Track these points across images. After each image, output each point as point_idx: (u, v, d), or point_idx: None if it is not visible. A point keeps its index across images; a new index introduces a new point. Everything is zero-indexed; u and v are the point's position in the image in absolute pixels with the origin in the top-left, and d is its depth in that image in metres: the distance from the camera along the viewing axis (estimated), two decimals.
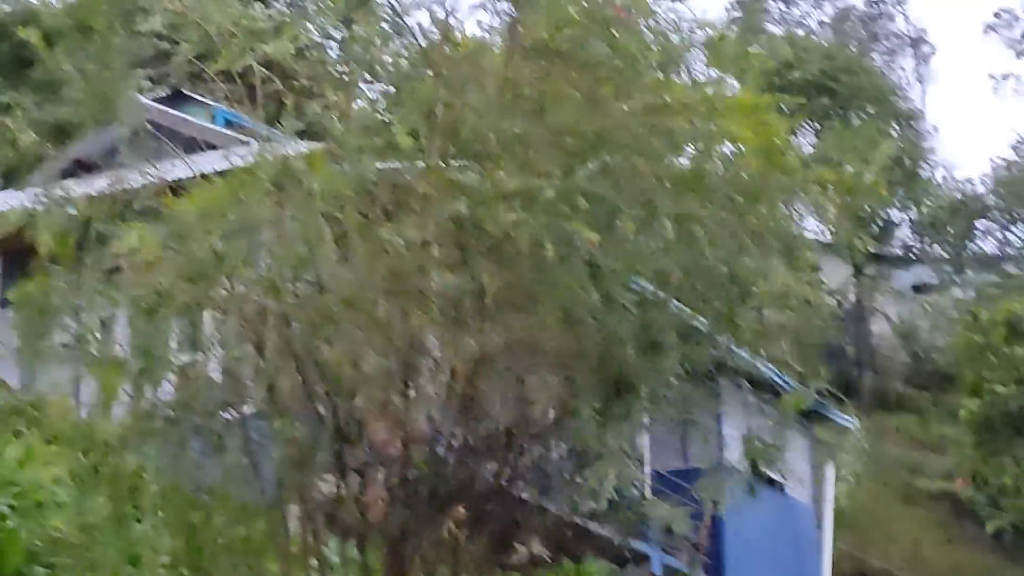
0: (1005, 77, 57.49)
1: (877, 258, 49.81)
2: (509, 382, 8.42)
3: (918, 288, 51.36)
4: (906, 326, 49.68)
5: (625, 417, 9.13)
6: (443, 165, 8.18)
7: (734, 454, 22.65)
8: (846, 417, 25.68)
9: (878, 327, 50.17)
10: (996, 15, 56.90)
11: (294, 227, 8.26)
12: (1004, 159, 50.00)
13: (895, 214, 50.92)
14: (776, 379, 23.42)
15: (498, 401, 8.46)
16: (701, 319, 9.82)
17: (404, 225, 8.06)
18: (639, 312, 8.69)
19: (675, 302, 9.30)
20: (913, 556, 37.92)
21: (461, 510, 8.56)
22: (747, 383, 21.98)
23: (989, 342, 37.59)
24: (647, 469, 21.43)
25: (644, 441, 21.31)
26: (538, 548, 8.85)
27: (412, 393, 8.55)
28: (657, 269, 8.47)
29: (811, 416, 24.86)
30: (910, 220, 50.96)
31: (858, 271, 49.17)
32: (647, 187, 7.93)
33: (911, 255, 51.91)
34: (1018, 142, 50.58)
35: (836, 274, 48.90)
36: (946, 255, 50.77)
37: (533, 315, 8.02)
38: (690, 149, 8.60)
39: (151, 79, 17.58)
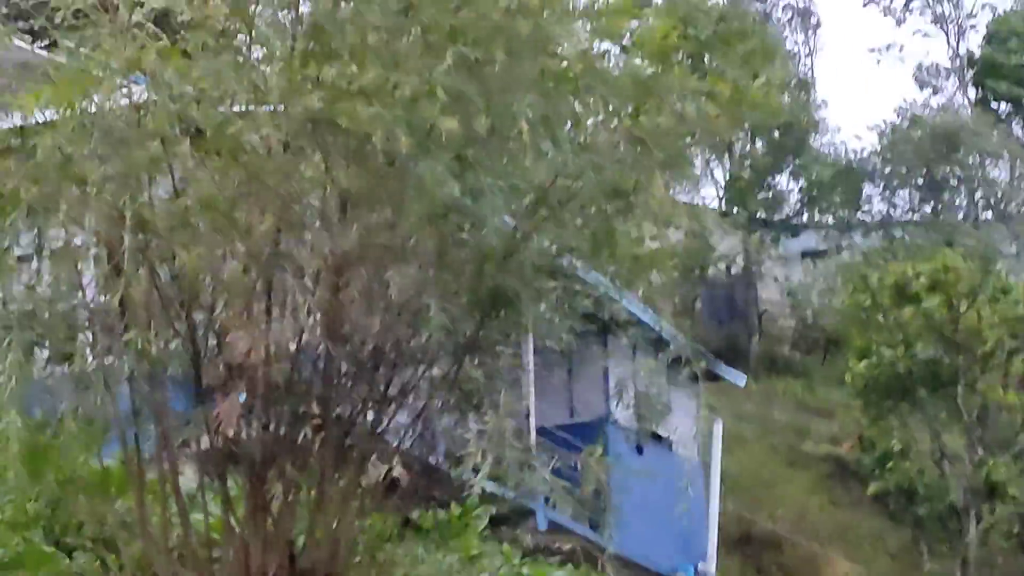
0: (887, 47, 57.83)
1: (766, 224, 49.85)
2: (375, 294, 7.94)
3: (807, 254, 51.52)
4: (794, 291, 49.79)
5: (504, 339, 8.64)
6: (300, 61, 7.70)
7: (621, 409, 22.50)
8: (736, 373, 25.47)
9: (767, 293, 50.24)
10: None
11: (147, 124, 7.76)
12: (887, 124, 50.22)
13: (784, 181, 51.01)
14: (663, 334, 23.22)
15: (365, 316, 7.97)
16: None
17: (260, 122, 7.57)
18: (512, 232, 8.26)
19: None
20: (799, 519, 37.99)
21: (326, 434, 8.10)
22: (634, 338, 21.83)
23: (877, 304, 37.50)
24: (533, 423, 21.10)
25: (530, 393, 21.00)
26: (398, 470, 8.39)
27: (274, 304, 8.06)
28: (526, 175, 8.00)
29: (701, 373, 24.60)
30: (799, 187, 51.05)
31: (747, 236, 49.15)
32: (511, 83, 7.49)
33: (800, 222, 52.01)
34: (901, 108, 50.82)
35: (725, 240, 48.95)
36: (834, 221, 50.94)
37: (396, 215, 7.56)
38: (569, 48, 8.15)
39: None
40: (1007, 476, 35.39)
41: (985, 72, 53.06)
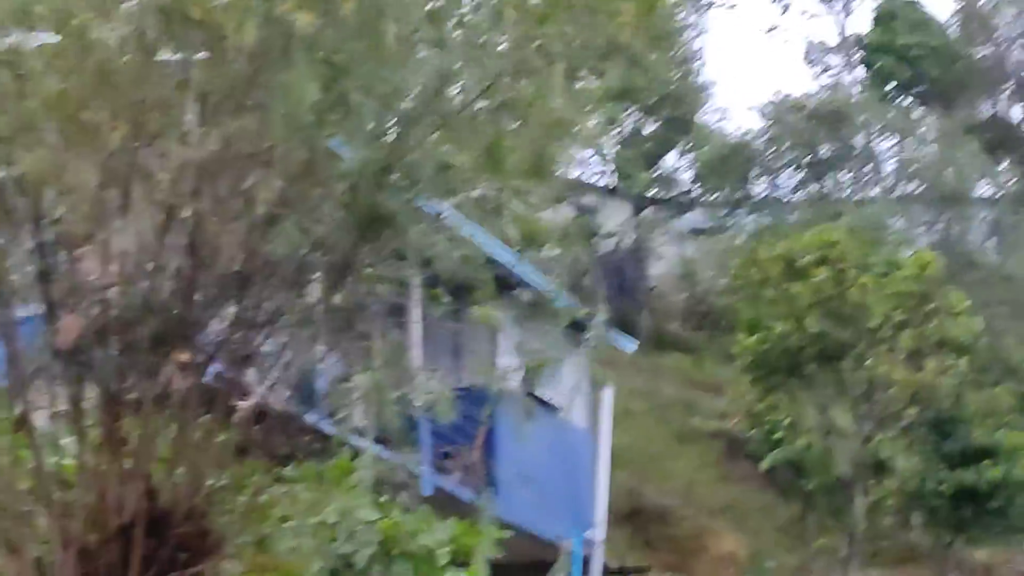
0: (771, 29, 57.88)
1: (656, 202, 49.74)
2: (239, 209, 7.33)
3: (696, 232, 51.49)
4: (684, 268, 49.75)
5: (383, 264, 7.98)
6: None
7: (510, 374, 21.99)
8: (626, 339, 25.07)
9: (657, 269, 50.16)
10: None
11: None
12: (770, 104, 50.23)
13: (674, 159, 50.97)
14: (554, 298, 22.73)
15: (228, 232, 7.36)
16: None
17: (111, 15, 6.96)
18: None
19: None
20: (688, 493, 37.84)
21: (184, 358, 7.49)
22: (524, 302, 21.34)
23: (766, 279, 37.37)
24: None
25: (416, 356, 20.47)
26: (268, 403, 7.78)
27: (126, 214, 7.44)
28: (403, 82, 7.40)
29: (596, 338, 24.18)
30: (689, 166, 51.01)
31: (637, 213, 49.05)
32: None
33: (689, 200, 52.01)
34: (783, 93, 50.74)
35: (616, 216, 48.76)
36: (723, 200, 50.90)
37: (261, 123, 6.97)
38: None
39: None
40: (894, 451, 35.42)
41: (873, 51, 53.25)
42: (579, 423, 23.29)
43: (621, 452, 37.44)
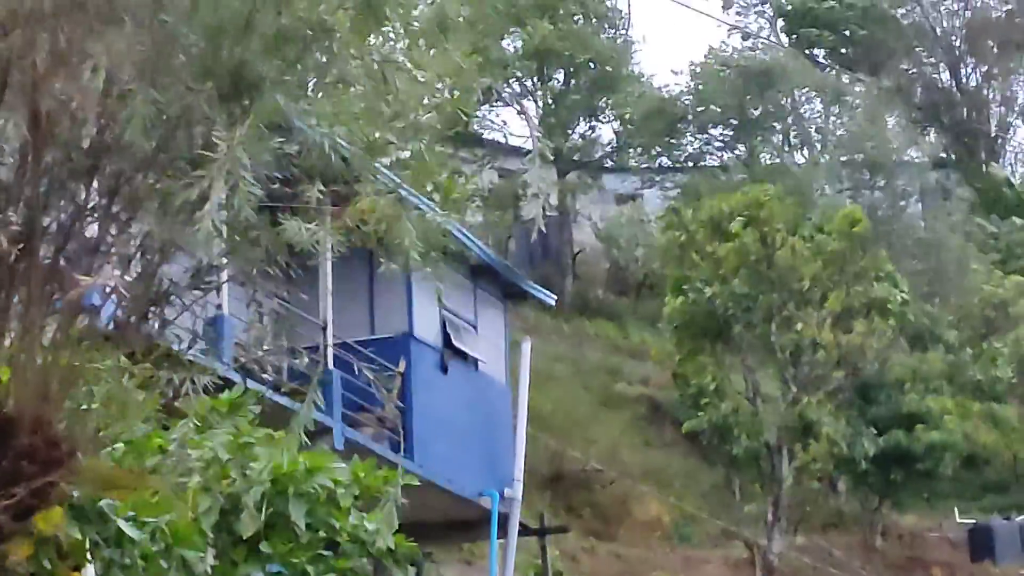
0: None
1: (580, 165, 49.12)
2: (80, 70, 6.29)
3: (622, 198, 50.88)
4: (608, 232, 49.13)
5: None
6: None
7: (425, 325, 21.19)
8: (546, 293, 24.26)
9: (581, 234, 49.58)
10: None
11: None
12: (696, 64, 49.66)
13: (598, 121, 50.25)
14: (471, 246, 21.91)
15: (70, 98, 6.33)
16: None
17: None
18: None
19: None
20: (611, 458, 37.15)
21: (30, 248, 6.47)
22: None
23: (692, 240, 36.75)
24: (330, 335, 19.65)
25: (326, 303, 19.56)
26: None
27: None
28: None
29: (510, 291, 23.40)
30: (613, 128, 50.34)
31: (561, 176, 48.33)
32: None
33: (614, 163, 51.43)
34: (711, 49, 50.15)
35: (540, 180, 47.89)
36: (648, 163, 50.28)
37: None
38: None
39: None
40: (820, 415, 34.93)
41: (797, 20, 52.92)
42: (497, 375, 22.45)
43: (543, 416, 36.73)
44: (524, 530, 22.74)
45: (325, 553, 10.00)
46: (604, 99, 48.68)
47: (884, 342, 37.02)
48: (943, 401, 37.86)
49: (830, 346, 35.88)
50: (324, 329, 19.56)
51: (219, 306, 17.45)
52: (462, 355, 21.63)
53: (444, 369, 21.19)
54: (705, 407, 35.40)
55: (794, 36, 52.55)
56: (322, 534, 10.15)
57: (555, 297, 24.74)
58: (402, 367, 20.60)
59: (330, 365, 19.48)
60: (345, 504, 10.22)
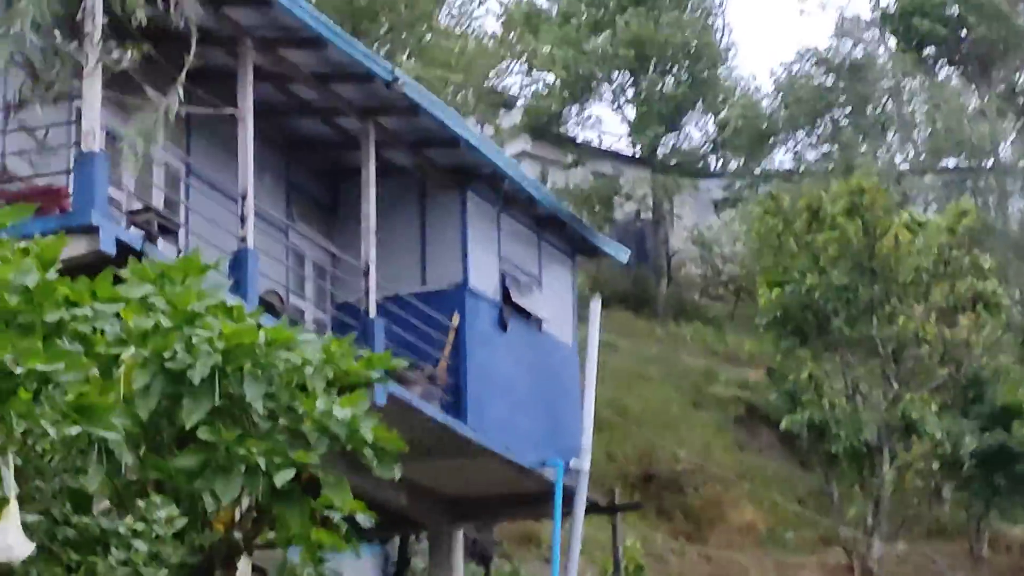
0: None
1: (678, 168, 47.66)
2: None
3: (717, 202, 49.32)
4: (704, 237, 47.66)
5: None
6: None
7: (482, 277, 19.55)
8: (619, 247, 22.56)
9: (676, 238, 48.16)
10: None
11: None
12: (788, 65, 47.94)
13: (694, 123, 48.87)
14: (533, 192, 20.28)
15: None
16: None
17: None
18: None
19: None
20: (704, 460, 35.37)
21: None
22: (498, 195, 18.94)
23: (789, 229, 35.01)
24: (372, 283, 18.07)
25: (370, 244, 18.03)
26: None
27: None
28: None
29: (578, 245, 21.71)
30: (707, 131, 48.87)
31: (656, 179, 46.91)
32: None
33: (709, 166, 50.09)
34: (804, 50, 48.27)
35: (636, 185, 46.46)
36: (742, 167, 48.64)
37: None
38: None
39: None
40: (923, 413, 32.99)
41: (905, 15, 51.18)
42: (563, 336, 20.71)
43: (634, 415, 35.15)
44: (592, 508, 20.99)
45: (282, 440, 8.36)
46: (701, 96, 47.25)
47: (991, 338, 35.07)
48: None
49: (934, 341, 34.00)
50: (366, 274, 18.01)
51: (243, 239, 15.98)
52: (524, 312, 19.96)
53: (504, 326, 19.54)
54: (803, 405, 33.60)
55: (902, 34, 50.51)
56: (283, 422, 8.53)
57: (629, 251, 22.99)
58: (456, 322, 18.98)
59: (371, 314, 17.92)
60: (314, 388, 8.60)
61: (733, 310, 45.96)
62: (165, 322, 8.34)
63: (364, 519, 8.61)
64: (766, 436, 38.07)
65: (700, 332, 43.76)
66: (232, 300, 8.79)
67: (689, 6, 47.41)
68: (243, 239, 15.88)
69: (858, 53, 48.07)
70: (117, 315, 8.25)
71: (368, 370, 9.11)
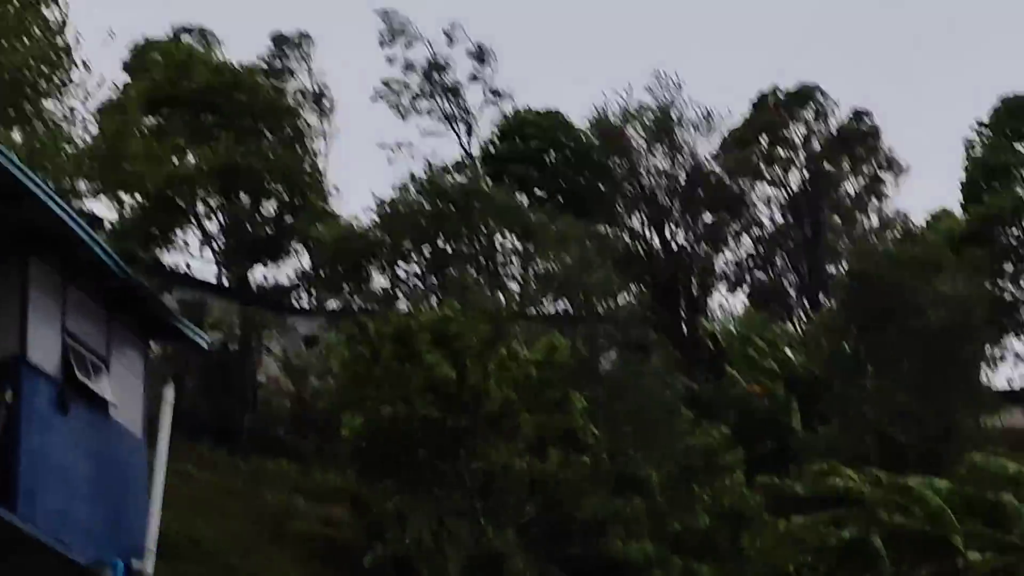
0: (399, 146, 55.87)
1: (267, 299, 46.49)
2: None
3: (308, 340, 48.20)
4: (293, 372, 46.38)
5: None
6: None
7: (43, 351, 17.63)
8: (199, 332, 20.96)
9: (264, 372, 46.81)
10: (385, 84, 56.45)
11: None
12: (386, 198, 47.57)
13: (287, 255, 47.86)
14: (105, 258, 18.46)
15: None
16: None
17: None
18: None
19: None
20: None
21: None
22: (67, 259, 17.03)
23: (377, 357, 34.11)
24: None
25: None
26: None
27: None
28: None
29: (153, 328, 19.97)
30: (300, 263, 47.96)
31: (247, 309, 45.61)
32: None
33: (301, 300, 49.12)
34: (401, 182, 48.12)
35: (224, 315, 44.98)
36: (338, 302, 47.66)
37: None
38: None
39: None
40: (510, 550, 32.28)
41: (500, 162, 51.90)
42: (131, 424, 18.87)
43: (207, 541, 33.29)
44: None
45: None
46: (291, 226, 46.39)
47: (579, 476, 34.68)
48: (645, 548, 35.43)
49: (522, 474, 33.39)
50: None
51: None
52: (89, 394, 18.07)
53: (65, 408, 17.60)
54: (385, 541, 32.47)
55: (498, 179, 50.88)
56: None
57: (208, 338, 21.45)
58: (9, 397, 16.96)
59: None
60: None
61: (320, 445, 44.62)
62: None
63: None
64: (351, 574, 36.67)
65: (284, 467, 42.32)
66: None
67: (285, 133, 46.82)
68: None
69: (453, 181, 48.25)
70: None
71: None
